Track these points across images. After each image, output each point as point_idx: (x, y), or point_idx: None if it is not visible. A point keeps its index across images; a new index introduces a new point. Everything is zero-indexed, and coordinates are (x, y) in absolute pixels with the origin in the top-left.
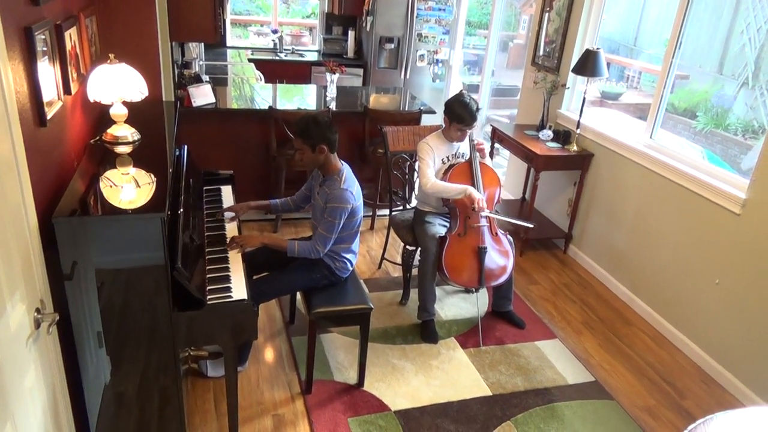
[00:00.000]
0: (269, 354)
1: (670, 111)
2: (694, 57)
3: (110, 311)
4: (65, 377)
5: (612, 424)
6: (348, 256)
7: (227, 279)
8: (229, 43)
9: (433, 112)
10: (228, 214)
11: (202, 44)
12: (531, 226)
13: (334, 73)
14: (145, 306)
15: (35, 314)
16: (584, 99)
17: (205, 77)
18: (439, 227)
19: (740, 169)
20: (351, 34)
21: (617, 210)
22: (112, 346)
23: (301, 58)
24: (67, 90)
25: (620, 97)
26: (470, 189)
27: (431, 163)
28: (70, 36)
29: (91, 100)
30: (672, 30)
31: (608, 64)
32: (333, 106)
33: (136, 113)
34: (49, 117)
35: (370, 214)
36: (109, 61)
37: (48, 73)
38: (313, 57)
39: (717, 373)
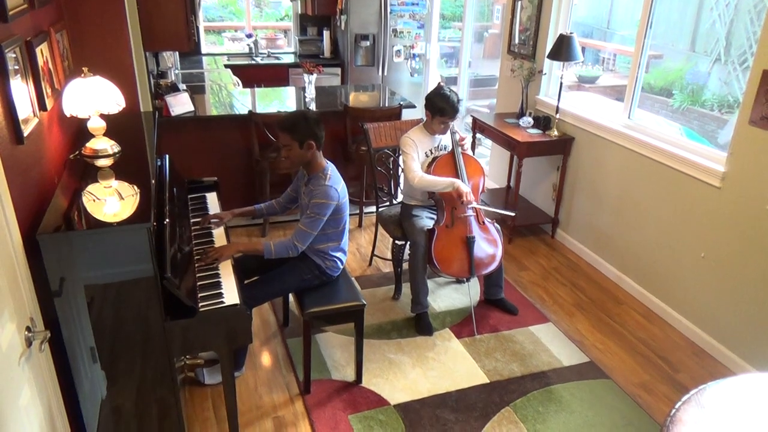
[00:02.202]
0: (266, 357)
1: (646, 91)
2: (666, 36)
3: (102, 325)
4: (60, 394)
5: (608, 401)
6: (337, 254)
7: (218, 285)
8: (204, 51)
9: (413, 107)
10: (213, 221)
11: (177, 53)
12: (512, 214)
13: (312, 74)
14: (137, 318)
15: (26, 333)
16: (561, 84)
17: (182, 86)
18: (426, 220)
19: (718, 143)
20: (326, 33)
21: (601, 191)
22: (106, 361)
23: (277, 61)
24: (42, 106)
25: (597, 80)
26: (458, 182)
27: (415, 157)
28: (42, 52)
29: (68, 115)
30: (642, 10)
31: (583, 48)
32: (313, 106)
33: (115, 126)
34: (25, 134)
35: (358, 211)
36: (82, 74)
37: (21, 90)
38: (289, 59)
39: (708, 344)
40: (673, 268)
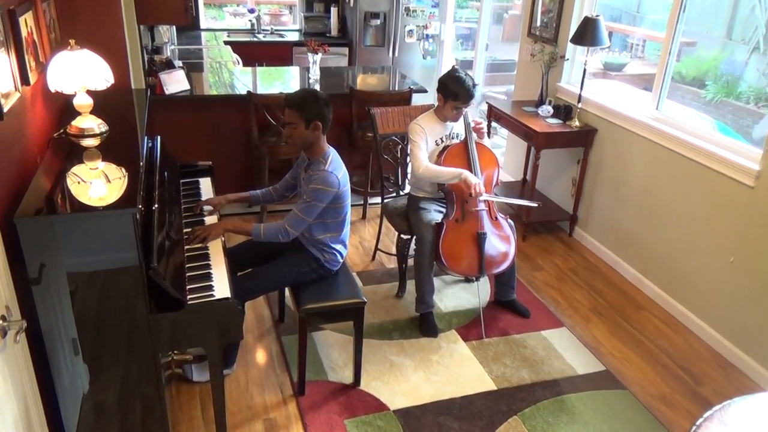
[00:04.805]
0: (258, 355)
1: (677, 80)
2: (700, 22)
3: (85, 316)
4: (37, 387)
5: (625, 414)
6: (337, 247)
7: (208, 277)
8: (203, 26)
9: (425, 91)
10: (206, 208)
11: (174, 27)
12: (535, 205)
13: (317, 53)
14: (122, 309)
15: (0, 322)
16: (585, 71)
17: (178, 62)
18: (434, 213)
19: (752, 139)
20: (334, 11)
21: (624, 188)
22: (89, 353)
23: (281, 39)
24: (25, 80)
25: (624, 67)
26: (466, 173)
27: (423, 146)
28: (26, 22)
29: (53, 90)
30: None
31: (610, 33)
32: (317, 88)
33: (103, 103)
34: (5, 109)
35: (362, 202)
36: (69, 47)
37: (2, 62)
38: (294, 37)
39: (735, 356)
40: (699, 272)
